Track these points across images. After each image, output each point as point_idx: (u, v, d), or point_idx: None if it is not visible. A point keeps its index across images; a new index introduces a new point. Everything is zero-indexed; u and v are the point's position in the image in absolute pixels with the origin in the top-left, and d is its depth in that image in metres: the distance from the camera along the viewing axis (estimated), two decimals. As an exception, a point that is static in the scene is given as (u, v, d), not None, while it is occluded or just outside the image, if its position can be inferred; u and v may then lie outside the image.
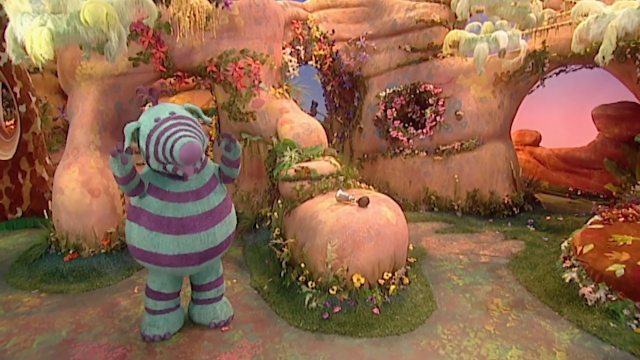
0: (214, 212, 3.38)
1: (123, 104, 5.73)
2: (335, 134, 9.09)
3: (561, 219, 6.80)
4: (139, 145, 3.19)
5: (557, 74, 7.28)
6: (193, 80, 6.48)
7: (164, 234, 3.21)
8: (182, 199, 3.26)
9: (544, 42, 6.79)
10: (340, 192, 4.53)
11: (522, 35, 5.99)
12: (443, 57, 7.63)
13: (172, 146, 2.93)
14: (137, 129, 3.16)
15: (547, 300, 4.25)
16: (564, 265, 4.58)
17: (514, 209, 7.15)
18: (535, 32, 6.59)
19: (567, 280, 4.31)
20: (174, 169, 3.11)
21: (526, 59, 6.82)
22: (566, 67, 7.11)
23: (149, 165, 3.23)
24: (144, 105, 7.34)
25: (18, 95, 6.55)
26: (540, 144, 9.98)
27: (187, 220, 3.25)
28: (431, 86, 7.61)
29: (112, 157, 3.05)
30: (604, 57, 4.79)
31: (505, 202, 7.15)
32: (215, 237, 3.40)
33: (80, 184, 5.06)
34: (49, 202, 5.54)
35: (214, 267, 3.85)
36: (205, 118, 3.38)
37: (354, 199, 4.37)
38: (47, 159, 7.09)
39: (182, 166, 3.06)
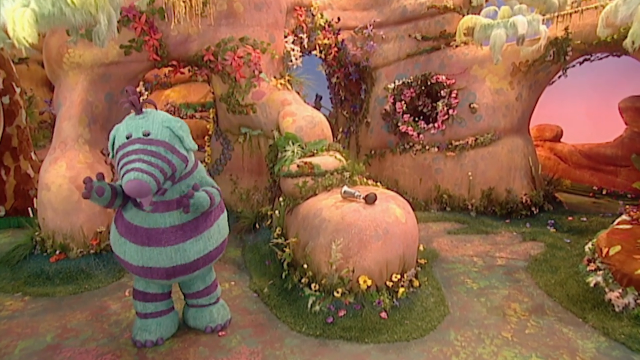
0: (186, 226, 3.27)
1: (114, 95, 5.72)
2: (340, 129, 9.08)
3: (584, 219, 6.76)
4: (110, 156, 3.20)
5: (580, 63, 7.20)
6: (189, 71, 6.44)
7: (130, 242, 3.23)
8: (153, 209, 3.21)
9: (566, 28, 6.72)
10: (345, 188, 4.50)
11: (543, 20, 5.93)
12: (456, 46, 7.60)
13: (123, 176, 2.89)
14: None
15: (569, 306, 4.22)
16: (588, 268, 4.54)
17: (533, 208, 7.12)
18: (557, 17, 6.51)
19: (591, 285, 4.27)
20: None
21: (547, 47, 6.76)
22: (591, 56, 7.03)
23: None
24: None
25: (1, 86, 6.55)
26: (562, 140, 9.92)
27: (153, 232, 3.19)
28: (443, 77, 7.59)
29: (85, 198, 3.01)
30: (633, 43, 4.69)
31: (523, 201, 7.12)
32: (186, 254, 3.28)
33: (67, 180, 5.05)
34: (34, 199, 5.54)
35: (199, 277, 3.75)
36: (190, 145, 3.19)
37: (360, 196, 4.35)
38: (32, 154, 7.08)
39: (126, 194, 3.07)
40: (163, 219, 3.20)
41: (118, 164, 2.97)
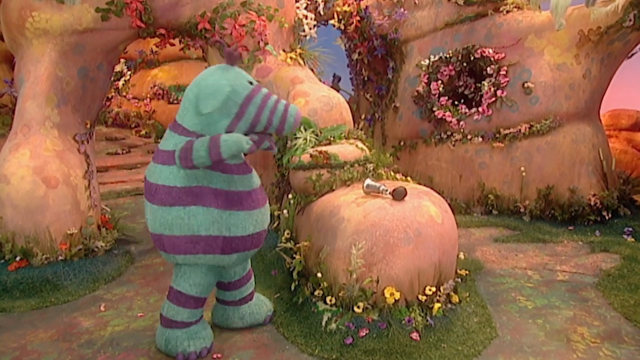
0: (261, 185, 3.89)
1: (89, 71, 5.77)
2: (363, 116, 9.09)
3: (674, 227, 6.67)
4: (205, 106, 3.41)
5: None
6: (180, 42, 6.46)
7: (238, 212, 3.56)
8: (243, 171, 3.67)
9: (653, -16, 6.57)
10: (368, 181, 4.48)
11: (621, -26, 5.83)
12: (507, 11, 7.55)
13: (286, 111, 3.54)
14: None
15: (655, 333, 4.13)
16: (678, 286, 4.45)
17: (604, 213, 7.03)
18: (641, -32, 6.38)
19: (683, 306, 4.17)
20: (261, 139, 3.60)
21: (626, 9, 6.57)
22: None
23: (227, 132, 3.48)
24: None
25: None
26: (643, 128, 9.80)
27: (254, 193, 3.69)
28: (490, 50, 7.54)
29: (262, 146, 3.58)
30: None
31: (592, 203, 7.03)
32: (268, 212, 3.88)
33: (32, 171, 5.08)
34: (-10, 195, 5.56)
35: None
36: None
37: (386, 190, 4.32)
38: (-11, 143, 7.18)
39: (282, 133, 3.67)
40: (255, 179, 3.78)
41: (262, 106, 3.51)
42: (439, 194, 4.73)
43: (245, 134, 3.52)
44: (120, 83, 9.71)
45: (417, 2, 8.10)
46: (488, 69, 7.54)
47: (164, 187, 3.45)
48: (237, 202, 3.56)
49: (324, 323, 3.97)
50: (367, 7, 8.14)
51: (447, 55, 7.87)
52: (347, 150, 5.08)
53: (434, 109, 7.79)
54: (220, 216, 3.50)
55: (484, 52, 7.56)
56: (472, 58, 7.71)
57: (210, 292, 3.84)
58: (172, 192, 3.44)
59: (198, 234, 3.49)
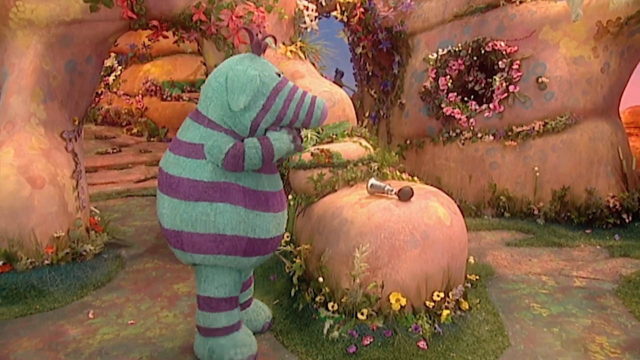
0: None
1: (77, 64, 5.77)
2: (367, 113, 9.11)
3: (699, 230, 6.65)
4: (237, 102, 3.37)
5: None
6: (174, 34, 6.46)
7: (264, 213, 3.57)
8: (271, 170, 3.68)
9: (675, -28, 6.56)
10: (373, 180, 4.48)
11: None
12: (520, 2, 7.55)
13: (313, 104, 3.53)
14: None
15: (679, 343, 4.11)
16: None
17: (624, 215, 7.01)
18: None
19: None
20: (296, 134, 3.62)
21: (648, -2, 6.58)
22: None
23: (253, 125, 3.47)
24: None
25: None
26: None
27: (279, 195, 3.72)
28: (502, 43, 7.54)
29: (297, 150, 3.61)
30: None
31: (611, 205, 7.01)
32: (286, 216, 3.88)
33: (16, 170, 5.07)
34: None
35: None
36: None
37: (392, 190, 4.32)
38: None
39: (309, 127, 3.71)
40: (280, 180, 3.82)
41: (290, 98, 3.50)
42: (447, 195, 4.73)
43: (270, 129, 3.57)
44: (111, 78, 9.74)
45: (424, -8, 8.12)
46: (500, 63, 7.53)
47: (188, 181, 3.42)
48: (264, 203, 3.57)
49: (325, 331, 3.98)
50: (371, -3, 8.16)
51: (456, 49, 7.88)
52: (350, 148, 5.10)
53: (442, 105, 7.80)
54: (248, 216, 3.50)
55: (496, 45, 7.55)
56: (482, 51, 7.70)
57: (239, 290, 3.80)
58: (198, 186, 3.42)
59: (223, 233, 3.47)
